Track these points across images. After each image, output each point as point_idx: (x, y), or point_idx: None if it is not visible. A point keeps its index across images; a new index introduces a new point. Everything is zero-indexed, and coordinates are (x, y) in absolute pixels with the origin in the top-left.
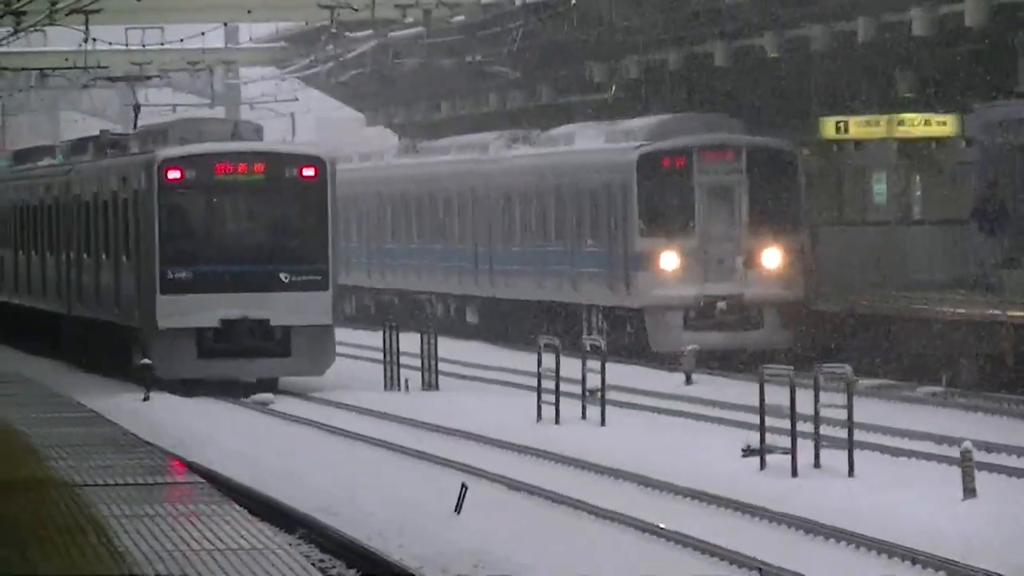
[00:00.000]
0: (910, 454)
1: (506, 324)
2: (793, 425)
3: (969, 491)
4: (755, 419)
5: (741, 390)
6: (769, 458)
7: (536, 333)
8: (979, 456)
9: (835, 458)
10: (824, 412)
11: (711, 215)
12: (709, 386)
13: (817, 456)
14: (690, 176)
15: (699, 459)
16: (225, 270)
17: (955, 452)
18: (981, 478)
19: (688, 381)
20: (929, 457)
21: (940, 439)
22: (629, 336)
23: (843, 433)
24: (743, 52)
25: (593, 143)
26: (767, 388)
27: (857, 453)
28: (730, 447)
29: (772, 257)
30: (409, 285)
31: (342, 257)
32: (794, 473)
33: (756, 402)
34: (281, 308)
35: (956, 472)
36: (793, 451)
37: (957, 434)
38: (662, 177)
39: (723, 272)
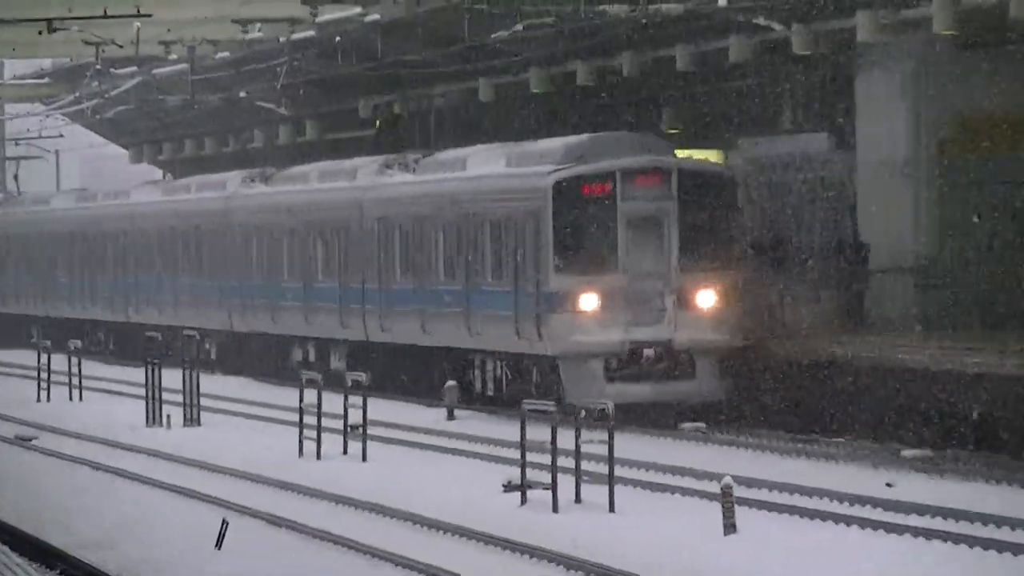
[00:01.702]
0: (672, 489)
1: (378, 371)
2: (554, 461)
3: (730, 526)
4: (517, 455)
5: (503, 426)
6: (530, 493)
7: (417, 383)
8: (740, 491)
9: (597, 494)
10: (587, 448)
11: (637, 249)
12: (471, 422)
13: (578, 492)
14: (613, 204)
15: (460, 494)
16: None
17: (716, 488)
18: (742, 513)
19: (450, 416)
20: (691, 493)
21: (702, 475)
22: (538, 388)
23: (605, 469)
24: (508, 88)
25: (492, 167)
26: (530, 425)
27: (619, 489)
28: (492, 483)
29: (707, 297)
30: (262, 327)
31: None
32: (555, 508)
33: (518, 437)
34: None
35: (717, 507)
36: (554, 487)
37: (718, 470)
38: (581, 205)
39: (650, 315)
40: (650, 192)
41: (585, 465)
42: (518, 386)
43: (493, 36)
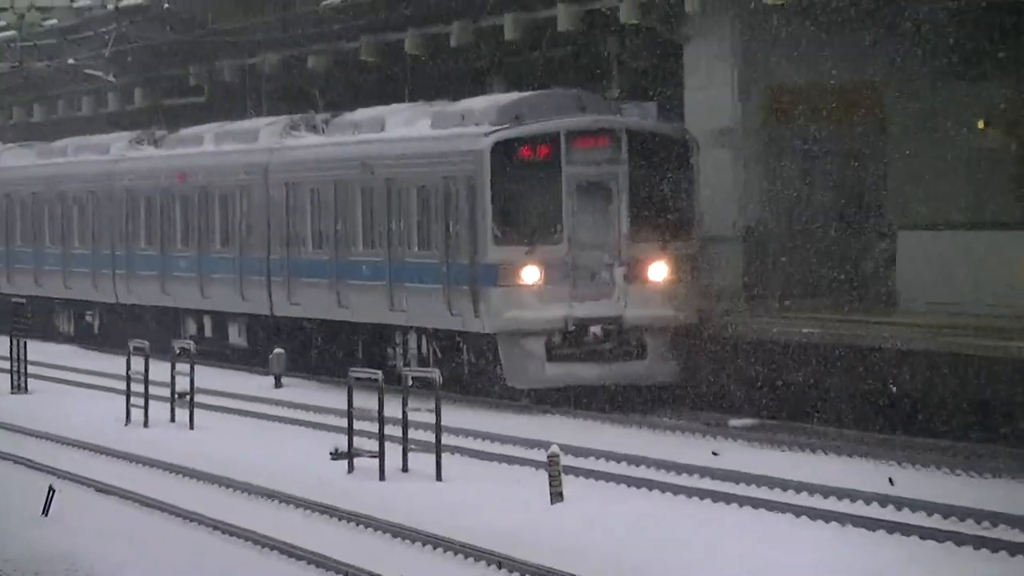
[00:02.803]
0: (500, 458)
1: (286, 347)
2: (381, 428)
3: (556, 495)
4: (345, 423)
5: (331, 394)
6: (357, 462)
7: (330, 360)
8: (568, 461)
9: (424, 463)
10: (415, 416)
11: (583, 217)
12: (299, 389)
13: (405, 460)
14: (557, 168)
15: (287, 462)
16: None
17: (543, 456)
18: (569, 482)
19: (278, 384)
20: (519, 461)
21: (529, 443)
22: (472, 368)
23: (433, 437)
24: (339, 56)
25: (415, 129)
26: (358, 393)
27: (447, 458)
28: (319, 450)
29: (659, 270)
30: (151, 299)
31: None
32: (382, 476)
33: (346, 405)
34: None
35: (545, 476)
36: (381, 454)
37: (548, 439)
38: (522, 170)
39: (598, 289)
40: (597, 155)
41: (414, 434)
42: (448, 366)
43: (323, 4)
